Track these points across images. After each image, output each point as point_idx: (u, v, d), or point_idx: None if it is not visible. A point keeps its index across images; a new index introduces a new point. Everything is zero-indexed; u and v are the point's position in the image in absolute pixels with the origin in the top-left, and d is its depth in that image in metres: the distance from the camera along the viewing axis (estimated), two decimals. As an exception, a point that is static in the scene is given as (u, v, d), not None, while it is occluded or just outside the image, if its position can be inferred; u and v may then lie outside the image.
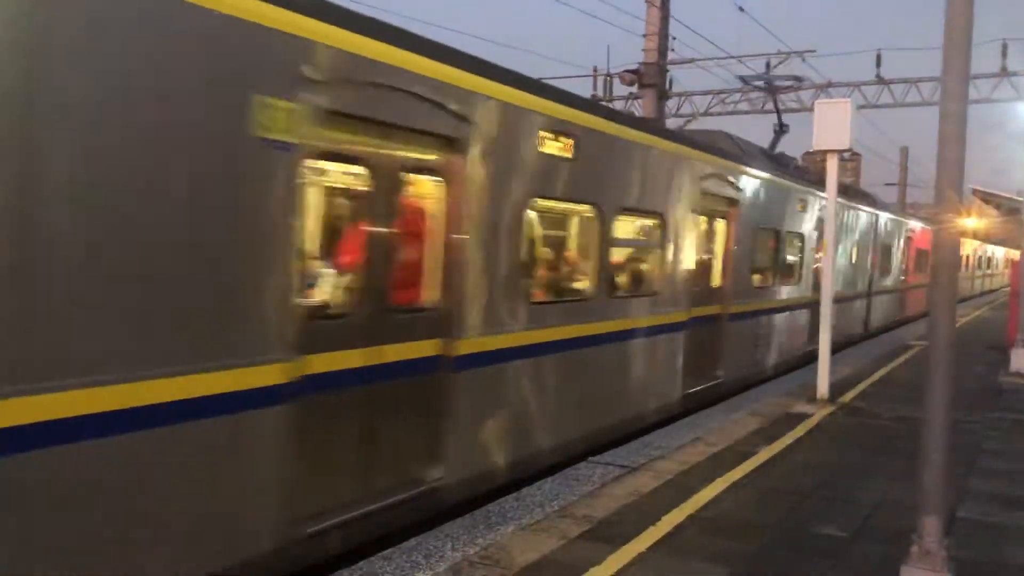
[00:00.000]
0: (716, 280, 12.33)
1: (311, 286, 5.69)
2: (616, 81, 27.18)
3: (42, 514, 4.00)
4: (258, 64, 4.89)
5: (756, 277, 13.72)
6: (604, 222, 8.96)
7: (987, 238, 66.88)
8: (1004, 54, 29.00)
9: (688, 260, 10.94)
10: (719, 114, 30.32)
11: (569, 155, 8.15)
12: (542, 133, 7.73)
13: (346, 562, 5.71)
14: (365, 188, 5.99)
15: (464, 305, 6.77)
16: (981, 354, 18.07)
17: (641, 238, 10.56)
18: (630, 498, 7.05)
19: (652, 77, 24.17)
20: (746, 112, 30.66)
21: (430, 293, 6.64)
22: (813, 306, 14.64)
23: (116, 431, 4.24)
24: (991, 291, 54.40)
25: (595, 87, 30.02)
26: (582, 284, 9.14)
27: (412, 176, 6.45)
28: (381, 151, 6.00)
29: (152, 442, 4.40)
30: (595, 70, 30.49)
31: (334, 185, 6.16)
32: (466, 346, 6.77)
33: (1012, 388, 13.78)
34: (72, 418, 4.05)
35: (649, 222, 10.33)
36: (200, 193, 4.61)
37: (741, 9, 23.77)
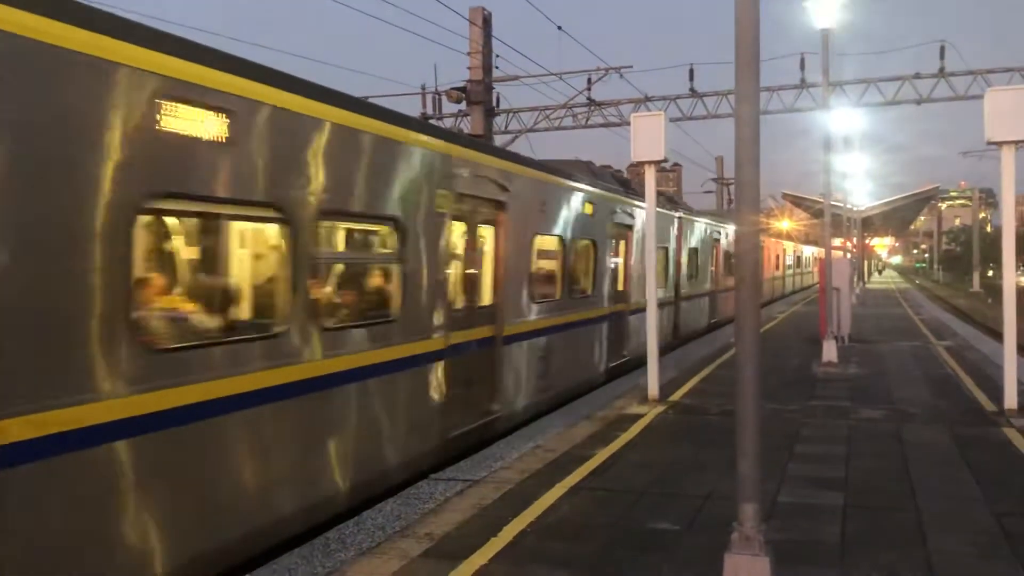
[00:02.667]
0: (621, 284, 15.97)
1: None
2: (444, 99, 27.39)
3: None
4: None
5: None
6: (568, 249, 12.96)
7: (804, 239, 71.58)
8: (803, 67, 31.24)
9: (606, 271, 14.88)
10: (545, 130, 31.09)
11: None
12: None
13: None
14: None
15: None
16: (797, 347, 19.27)
17: (583, 258, 14.04)
18: (472, 511, 7.06)
19: (478, 95, 24.53)
20: (571, 127, 31.59)
21: None
22: (678, 301, 20.89)
23: None
24: (807, 287, 58.13)
25: (424, 105, 30.15)
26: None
27: None
28: None
29: None
30: (423, 88, 30.64)
31: None
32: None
33: (825, 377, 14.75)
34: None
35: (587, 245, 14.03)
36: None
37: (559, 28, 24.46)
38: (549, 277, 12.51)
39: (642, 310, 15.77)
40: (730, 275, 27.26)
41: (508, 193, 10.53)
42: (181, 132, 5.52)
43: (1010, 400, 11.07)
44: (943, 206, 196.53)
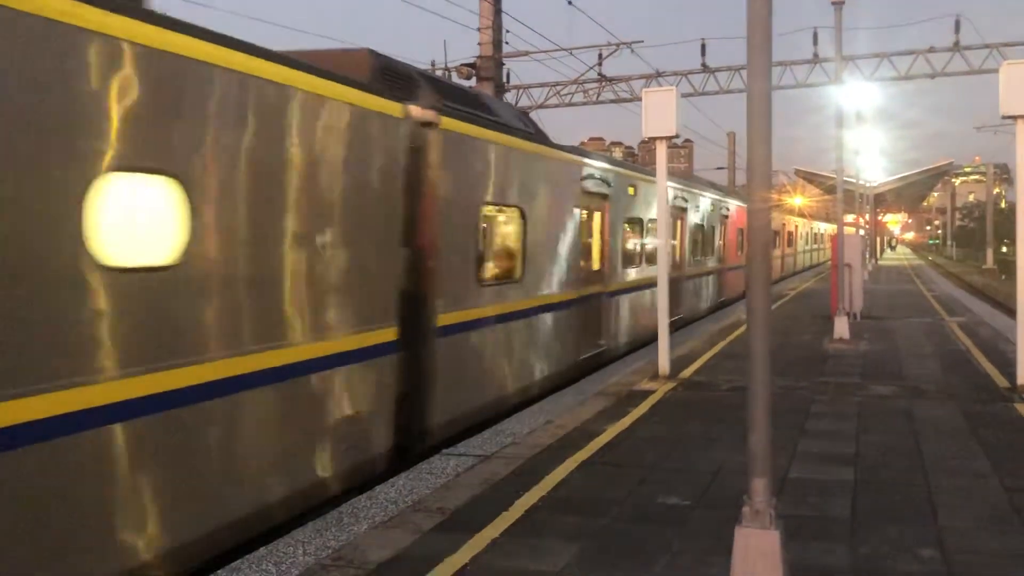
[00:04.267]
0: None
1: None
2: (455, 75, 27.23)
3: None
4: None
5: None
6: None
7: (818, 216, 71.15)
8: (815, 41, 30.97)
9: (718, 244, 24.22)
10: (555, 106, 30.95)
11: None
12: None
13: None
14: None
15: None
16: (809, 323, 19.24)
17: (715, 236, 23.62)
18: (483, 486, 7.11)
19: (488, 71, 24.40)
20: (581, 103, 31.43)
21: None
22: (716, 272, 24.99)
23: None
24: (820, 264, 57.92)
25: (434, 81, 29.97)
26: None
27: None
28: None
29: None
30: (433, 64, 30.47)
31: None
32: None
33: (836, 354, 14.73)
34: None
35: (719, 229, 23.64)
36: None
37: (570, 2, 24.28)
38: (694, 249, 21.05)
39: (736, 268, 25.48)
40: (774, 248, 37.28)
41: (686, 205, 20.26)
42: (633, 194, 15.71)
43: (1023, 376, 11.04)
44: (957, 182, 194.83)
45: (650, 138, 12.18)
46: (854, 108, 31.48)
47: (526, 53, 26.25)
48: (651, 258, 16.44)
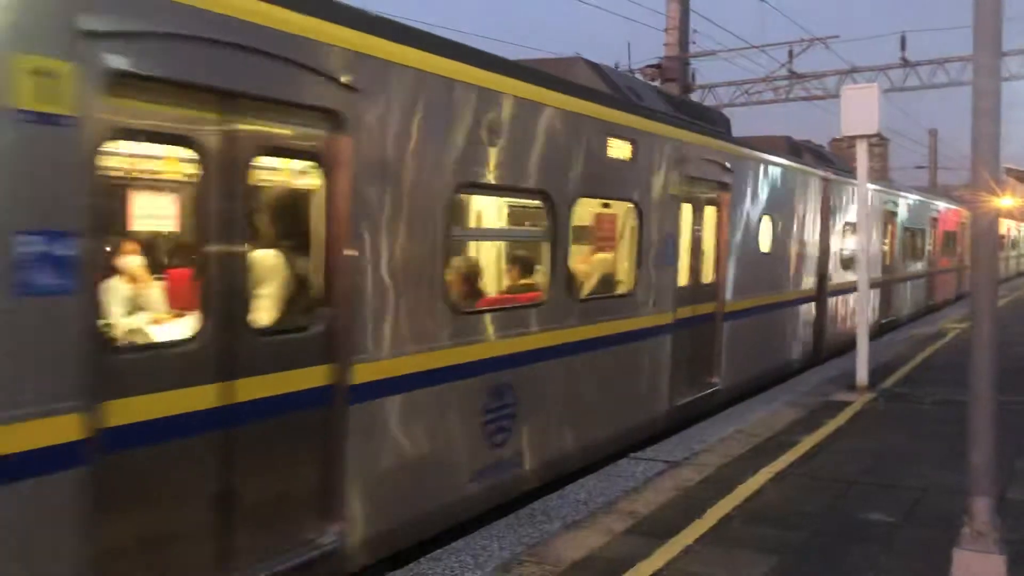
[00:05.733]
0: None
1: None
2: (639, 77, 27.07)
3: None
4: None
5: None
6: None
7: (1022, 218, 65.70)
8: (1032, 29, 28.56)
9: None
10: (743, 104, 30.11)
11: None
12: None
13: (392, 565, 5.77)
14: None
15: None
16: (1023, 335, 17.79)
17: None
18: (674, 492, 7.04)
19: (674, 71, 24.13)
20: (770, 101, 30.41)
21: None
22: (956, 270, 27.97)
23: None
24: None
25: (617, 84, 29.91)
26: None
27: None
28: None
29: None
30: (616, 66, 30.42)
31: None
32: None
33: (1057, 367, 13.55)
34: None
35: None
36: None
37: (761, -2, 23.62)
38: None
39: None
40: None
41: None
42: (907, 210, 21.09)
43: None
44: None
45: (848, 137, 11.67)
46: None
47: (713, 52, 25.72)
48: (916, 256, 22.27)
